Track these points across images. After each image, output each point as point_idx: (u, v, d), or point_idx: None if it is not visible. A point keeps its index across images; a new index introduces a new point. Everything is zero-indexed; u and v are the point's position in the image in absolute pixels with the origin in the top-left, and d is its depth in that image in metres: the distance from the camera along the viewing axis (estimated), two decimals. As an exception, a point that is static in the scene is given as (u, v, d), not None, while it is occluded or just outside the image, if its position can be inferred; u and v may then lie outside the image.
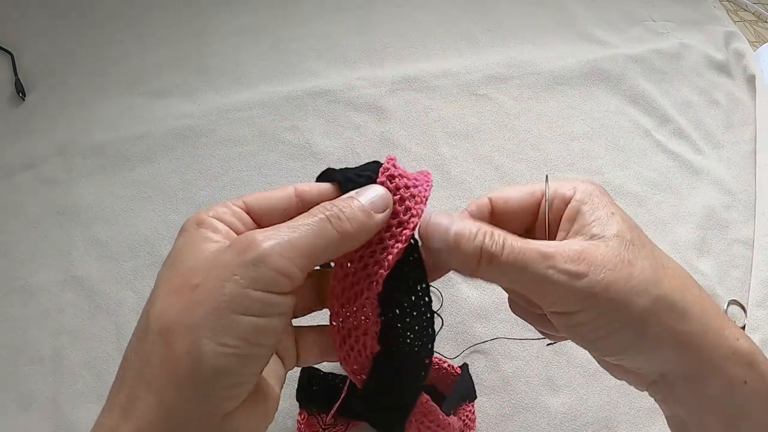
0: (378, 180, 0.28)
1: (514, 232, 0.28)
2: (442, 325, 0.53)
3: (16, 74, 0.69)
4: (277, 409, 0.27)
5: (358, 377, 0.29)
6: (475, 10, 0.78)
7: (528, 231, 0.31)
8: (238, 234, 0.26)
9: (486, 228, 0.26)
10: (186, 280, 0.23)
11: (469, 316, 0.53)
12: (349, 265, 0.27)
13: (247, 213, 0.28)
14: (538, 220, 0.30)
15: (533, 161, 0.64)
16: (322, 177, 0.29)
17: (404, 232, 0.27)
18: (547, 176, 0.31)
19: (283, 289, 0.23)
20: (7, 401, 0.49)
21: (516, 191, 0.30)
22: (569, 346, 0.52)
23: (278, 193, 0.28)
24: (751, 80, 0.73)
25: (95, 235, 0.57)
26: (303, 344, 0.30)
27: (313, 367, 0.46)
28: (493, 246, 0.26)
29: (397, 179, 0.28)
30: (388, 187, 0.27)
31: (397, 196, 0.27)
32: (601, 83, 0.71)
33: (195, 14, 0.76)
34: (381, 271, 0.27)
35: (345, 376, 0.43)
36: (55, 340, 0.52)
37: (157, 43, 0.73)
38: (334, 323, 0.28)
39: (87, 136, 0.64)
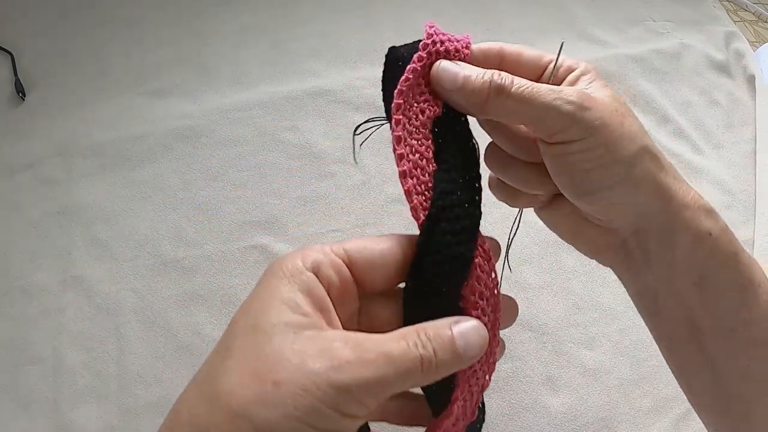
0: (423, 50, 0.30)
1: None
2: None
3: (16, 74, 0.69)
4: None
5: (422, 207, 0.27)
6: (475, 10, 0.78)
7: None
8: (330, 293, 0.25)
9: (494, 70, 0.29)
10: (267, 368, 0.22)
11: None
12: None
13: (348, 265, 0.26)
14: (542, 78, 0.32)
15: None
16: (391, 54, 0.33)
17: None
18: (562, 43, 0.33)
19: (360, 415, 0.22)
20: (7, 401, 0.49)
21: (527, 50, 0.33)
22: (569, 346, 0.52)
23: (381, 245, 0.26)
24: (751, 80, 0.73)
25: (95, 235, 0.57)
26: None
27: None
28: (503, 80, 0.28)
29: (438, 44, 0.30)
30: (433, 52, 0.30)
31: (442, 49, 0.30)
32: (601, 83, 0.71)
33: (195, 14, 0.76)
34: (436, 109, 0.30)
35: None
36: (55, 340, 0.52)
37: (157, 43, 0.73)
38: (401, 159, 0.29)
39: (87, 136, 0.64)
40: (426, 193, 0.28)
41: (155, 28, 0.74)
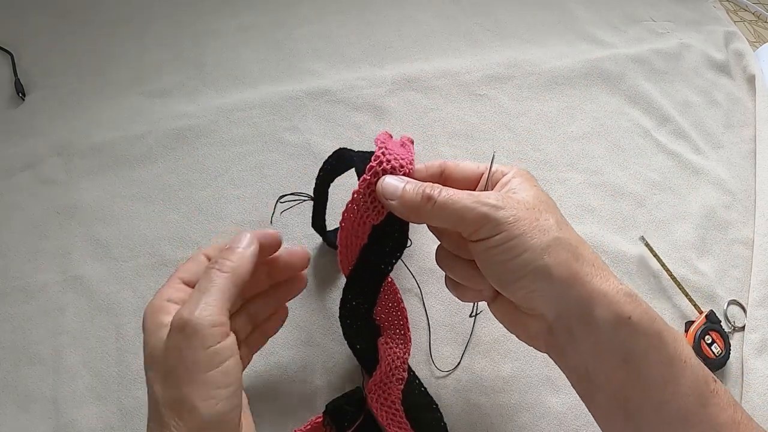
0: (368, 172, 0.37)
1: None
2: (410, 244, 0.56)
3: (15, 74, 0.69)
4: (251, 418, 0.36)
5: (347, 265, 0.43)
6: (475, 10, 0.78)
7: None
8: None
9: (428, 183, 0.35)
10: (163, 367, 0.31)
11: (467, 316, 0.53)
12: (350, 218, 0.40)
13: (187, 284, 0.35)
14: (479, 185, 0.38)
15: (533, 161, 0.64)
16: (336, 154, 0.44)
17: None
18: (494, 153, 0.38)
19: (222, 336, 0.31)
20: (7, 401, 0.49)
21: (466, 163, 0.39)
22: (569, 346, 0.52)
23: (194, 262, 0.37)
24: (751, 80, 0.73)
25: (95, 235, 0.57)
26: (249, 340, 0.41)
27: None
28: (432, 190, 0.34)
29: (385, 164, 0.37)
30: (380, 172, 0.38)
31: (388, 167, 0.38)
32: (601, 83, 0.71)
33: (195, 14, 0.76)
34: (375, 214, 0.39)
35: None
36: (54, 340, 0.52)
37: (157, 43, 0.73)
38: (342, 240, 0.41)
39: (87, 136, 0.64)
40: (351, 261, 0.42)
41: (155, 28, 0.74)
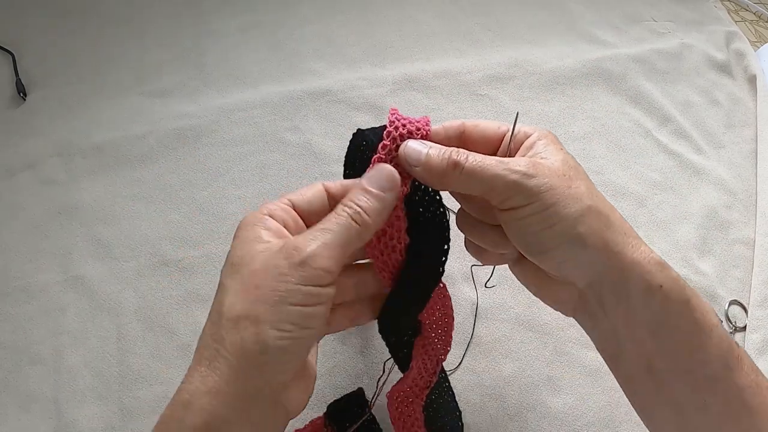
0: (386, 138, 0.34)
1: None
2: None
3: (16, 74, 0.69)
4: (313, 386, 0.33)
5: (387, 277, 0.36)
6: (475, 10, 0.78)
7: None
8: (287, 227, 0.32)
9: (452, 147, 0.33)
10: (248, 282, 0.29)
11: (469, 316, 0.53)
12: None
13: (294, 208, 0.34)
14: (501, 147, 0.36)
15: (534, 161, 0.64)
16: (356, 136, 0.37)
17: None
18: (517, 113, 0.36)
19: (325, 281, 0.29)
20: (8, 401, 0.49)
21: (487, 122, 0.36)
22: (570, 346, 0.52)
23: (312, 190, 0.34)
24: (752, 80, 0.73)
25: (96, 235, 0.57)
26: (333, 318, 0.36)
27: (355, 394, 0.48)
28: (459, 156, 0.32)
29: (401, 128, 0.34)
30: (396, 133, 0.34)
31: (405, 132, 0.34)
32: (602, 83, 0.71)
33: (195, 14, 0.76)
34: (404, 188, 0.34)
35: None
36: (55, 340, 0.52)
37: (158, 43, 0.73)
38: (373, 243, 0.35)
39: (88, 136, 0.64)
40: (393, 265, 0.36)
41: (156, 28, 0.74)
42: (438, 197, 0.36)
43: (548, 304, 0.36)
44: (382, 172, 0.32)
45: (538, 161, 0.32)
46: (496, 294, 0.54)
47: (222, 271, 0.31)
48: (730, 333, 0.53)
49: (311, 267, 0.29)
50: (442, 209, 0.36)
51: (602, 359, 0.52)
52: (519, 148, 0.35)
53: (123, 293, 0.54)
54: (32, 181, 0.61)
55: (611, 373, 0.53)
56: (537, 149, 0.34)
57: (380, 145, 0.34)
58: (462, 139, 0.36)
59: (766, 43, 0.79)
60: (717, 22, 0.80)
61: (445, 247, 0.36)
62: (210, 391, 0.28)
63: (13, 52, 0.70)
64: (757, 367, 0.32)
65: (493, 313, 0.53)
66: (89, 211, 0.59)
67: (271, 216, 0.32)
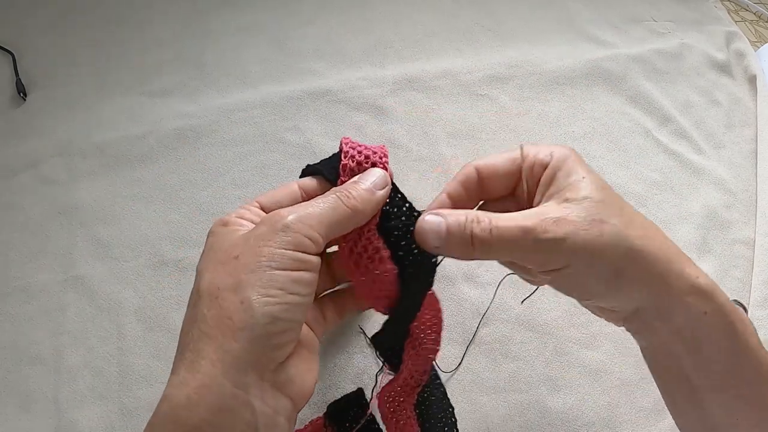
0: (343, 161, 0.33)
1: (499, 195, 0.35)
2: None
3: (17, 74, 0.69)
4: (318, 371, 0.31)
5: (383, 303, 0.34)
6: (475, 10, 0.78)
7: (512, 192, 0.35)
8: None
9: (472, 215, 0.30)
10: (227, 254, 0.28)
11: (469, 316, 0.53)
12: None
13: (263, 210, 0.33)
14: (519, 185, 0.34)
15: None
16: (305, 172, 0.36)
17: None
18: (522, 146, 0.34)
19: (309, 248, 0.28)
20: (8, 401, 0.49)
21: (500, 159, 0.34)
22: (570, 346, 0.52)
23: (285, 190, 0.34)
24: (752, 80, 0.73)
25: (96, 235, 0.57)
26: (327, 312, 0.36)
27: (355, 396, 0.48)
28: (482, 232, 0.30)
29: (356, 152, 0.33)
30: (353, 160, 0.33)
31: (362, 158, 0.33)
32: (602, 83, 0.71)
33: (196, 14, 0.76)
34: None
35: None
36: (55, 340, 0.52)
37: (158, 43, 0.73)
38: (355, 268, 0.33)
39: (88, 136, 0.64)
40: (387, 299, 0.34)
41: (156, 28, 0.74)
42: (415, 214, 0.33)
43: (593, 313, 0.36)
44: (374, 172, 0.32)
45: (564, 214, 0.29)
46: (496, 294, 0.54)
47: (197, 268, 0.30)
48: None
49: (293, 231, 0.28)
50: (414, 214, 0.34)
51: (602, 359, 0.52)
52: (537, 184, 0.33)
53: (123, 293, 0.54)
54: (32, 181, 0.61)
55: (611, 373, 0.53)
56: (558, 185, 0.31)
57: (339, 182, 0.33)
58: (480, 184, 0.35)
59: (766, 43, 0.79)
60: (717, 22, 0.80)
61: (434, 260, 0.34)
62: (199, 384, 0.26)
63: (13, 52, 0.70)
64: None
65: (493, 313, 0.53)
66: (89, 211, 0.59)
67: (240, 217, 0.31)
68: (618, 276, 0.30)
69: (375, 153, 0.33)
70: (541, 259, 0.30)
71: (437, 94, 0.68)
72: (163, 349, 0.51)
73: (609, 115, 0.68)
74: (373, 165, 0.33)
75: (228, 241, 0.29)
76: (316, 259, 0.29)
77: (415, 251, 0.33)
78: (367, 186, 0.31)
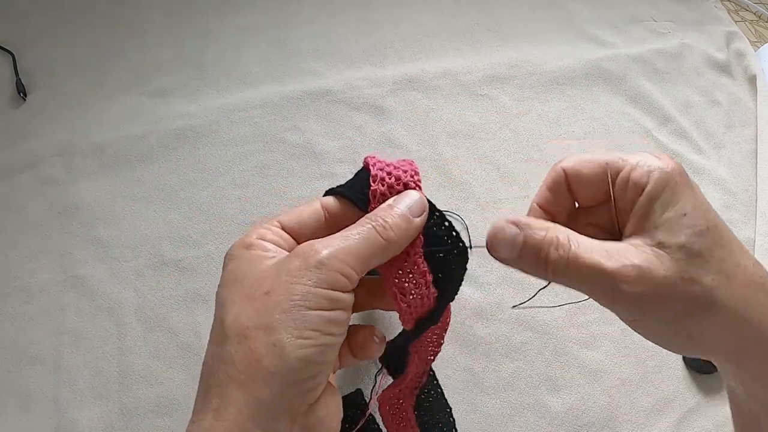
0: (372, 187, 0.31)
1: (593, 201, 0.31)
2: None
3: (17, 74, 0.69)
4: (341, 406, 0.30)
5: (414, 321, 0.33)
6: (475, 10, 0.78)
7: (602, 203, 0.31)
8: (283, 249, 0.29)
9: (552, 235, 0.27)
10: (255, 288, 0.26)
11: (469, 316, 0.53)
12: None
13: (284, 230, 0.31)
14: (610, 205, 0.30)
15: (534, 161, 0.64)
16: (329, 194, 0.33)
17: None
18: (609, 176, 0.29)
19: (344, 287, 0.27)
20: (8, 401, 0.49)
21: (587, 164, 0.30)
22: (570, 346, 0.52)
23: (307, 209, 0.32)
24: (752, 80, 0.73)
25: (96, 235, 0.57)
26: (352, 342, 0.34)
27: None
28: (558, 260, 0.27)
29: (386, 174, 0.31)
30: (383, 183, 0.31)
31: (393, 180, 0.31)
32: (602, 83, 0.71)
33: (195, 14, 0.76)
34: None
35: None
36: (55, 340, 0.52)
37: (158, 43, 0.73)
38: (397, 283, 0.31)
39: (88, 136, 0.64)
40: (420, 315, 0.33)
41: (156, 28, 0.74)
42: (454, 233, 0.32)
43: None
44: (410, 196, 0.30)
45: (651, 265, 0.25)
46: (496, 294, 0.54)
47: (217, 293, 0.28)
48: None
49: (329, 269, 0.26)
50: (461, 243, 0.32)
51: (602, 359, 0.52)
52: (631, 207, 0.28)
53: (123, 293, 0.54)
54: (32, 181, 0.61)
55: (611, 373, 0.53)
56: (654, 220, 0.27)
57: (369, 209, 0.31)
58: (570, 187, 0.31)
59: (766, 43, 0.79)
60: (717, 22, 0.80)
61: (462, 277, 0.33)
62: (228, 426, 0.24)
63: (13, 52, 0.70)
64: None
65: (493, 313, 0.53)
66: (89, 211, 0.59)
67: (262, 239, 0.30)
68: (698, 340, 0.27)
69: (406, 172, 0.32)
70: (613, 306, 0.27)
71: (437, 94, 0.68)
72: (163, 349, 0.51)
73: (609, 115, 0.68)
74: (405, 186, 0.31)
75: (254, 272, 0.27)
76: (349, 297, 0.27)
77: (456, 276, 0.32)
78: (402, 212, 0.29)
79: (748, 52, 0.75)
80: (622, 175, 0.28)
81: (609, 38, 0.76)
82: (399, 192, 0.31)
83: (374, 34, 0.74)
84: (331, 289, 0.26)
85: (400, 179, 0.31)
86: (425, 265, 0.31)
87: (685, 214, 0.26)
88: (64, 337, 0.52)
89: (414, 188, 0.31)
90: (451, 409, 0.46)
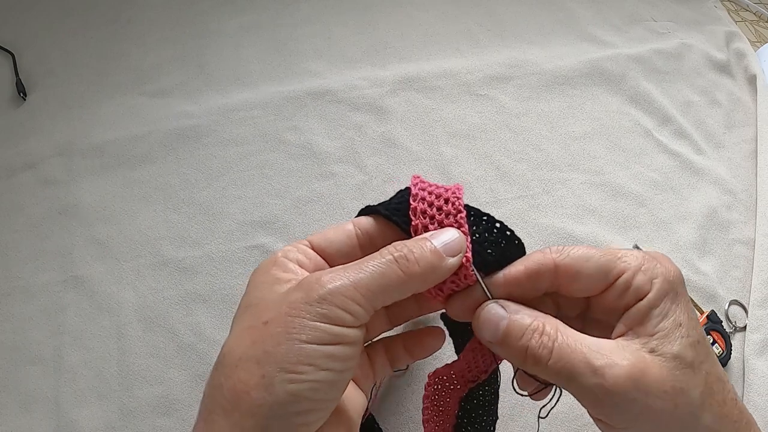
0: (412, 203, 0.30)
1: (577, 297, 0.29)
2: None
3: (17, 74, 0.69)
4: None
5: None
6: (475, 10, 0.78)
7: (591, 300, 0.30)
8: (302, 266, 0.29)
9: (537, 324, 0.26)
10: (257, 317, 0.25)
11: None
12: None
13: (313, 249, 0.30)
14: (603, 303, 0.29)
15: (534, 161, 0.64)
16: (364, 212, 0.33)
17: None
18: (619, 264, 0.28)
19: (348, 323, 0.25)
20: (8, 401, 0.49)
21: (589, 266, 0.28)
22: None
23: (339, 230, 0.31)
24: (752, 80, 0.73)
25: (96, 235, 0.57)
26: (377, 360, 0.33)
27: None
28: (541, 349, 0.26)
29: (427, 193, 0.30)
30: (424, 201, 0.30)
31: (433, 198, 0.30)
32: (602, 83, 0.71)
33: (195, 14, 0.76)
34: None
35: None
36: (55, 340, 0.52)
37: (158, 43, 0.73)
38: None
39: (88, 136, 0.64)
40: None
41: (156, 28, 0.74)
42: (509, 232, 0.30)
43: None
44: (449, 234, 0.28)
45: (644, 370, 0.25)
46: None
47: (235, 315, 0.28)
48: (730, 333, 0.53)
49: (331, 304, 0.25)
50: (517, 240, 0.31)
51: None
52: (623, 308, 0.28)
53: (123, 293, 0.54)
54: (32, 181, 0.61)
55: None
56: (650, 327, 0.26)
57: (411, 228, 0.29)
58: (557, 274, 0.29)
59: (766, 43, 0.79)
60: (717, 22, 0.80)
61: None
62: None
63: (13, 52, 0.70)
64: None
65: (493, 313, 0.53)
66: (89, 211, 0.59)
67: (285, 257, 0.29)
68: None
69: (447, 190, 0.30)
70: (597, 410, 0.26)
71: (437, 94, 0.68)
72: (162, 349, 0.51)
73: (609, 115, 0.68)
74: (446, 201, 0.30)
75: (263, 299, 0.26)
76: (355, 333, 0.26)
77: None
78: (435, 247, 0.27)
79: (748, 52, 0.75)
80: (624, 278, 0.28)
81: (609, 38, 0.76)
82: (441, 210, 0.29)
83: (374, 34, 0.74)
84: (333, 324, 0.25)
85: (441, 196, 0.30)
86: (472, 277, 0.29)
87: (680, 325, 0.26)
88: (64, 337, 0.52)
89: (455, 205, 0.30)
90: (497, 418, 0.43)
